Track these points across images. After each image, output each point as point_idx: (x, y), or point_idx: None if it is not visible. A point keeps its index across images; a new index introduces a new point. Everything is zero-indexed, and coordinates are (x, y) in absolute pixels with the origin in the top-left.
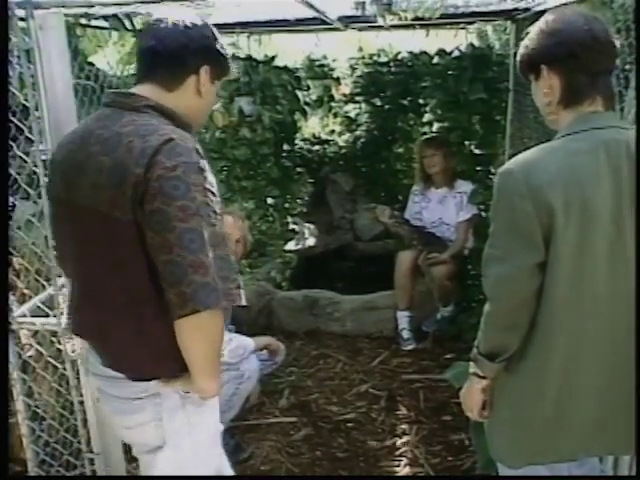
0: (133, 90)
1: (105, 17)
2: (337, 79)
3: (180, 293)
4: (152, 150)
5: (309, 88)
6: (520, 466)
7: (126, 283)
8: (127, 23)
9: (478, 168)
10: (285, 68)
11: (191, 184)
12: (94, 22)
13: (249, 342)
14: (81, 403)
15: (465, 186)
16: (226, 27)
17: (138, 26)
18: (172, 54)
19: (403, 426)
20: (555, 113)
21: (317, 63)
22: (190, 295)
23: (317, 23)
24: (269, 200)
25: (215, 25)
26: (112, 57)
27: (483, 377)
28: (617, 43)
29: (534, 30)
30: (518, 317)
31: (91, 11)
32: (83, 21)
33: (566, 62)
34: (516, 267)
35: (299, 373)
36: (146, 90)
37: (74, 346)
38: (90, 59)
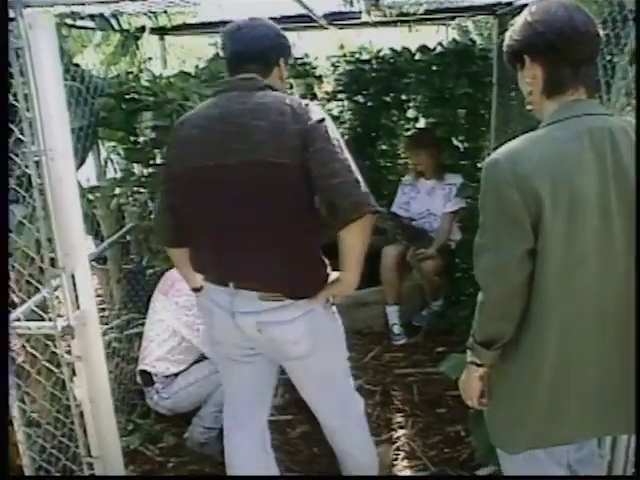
0: (243, 77)
1: (92, 17)
2: (319, 77)
3: (353, 202)
4: (302, 110)
5: (291, 87)
6: (520, 451)
7: (288, 217)
8: (114, 22)
9: (465, 162)
10: None
11: (332, 129)
12: (80, 22)
13: None
14: (78, 407)
15: (454, 179)
16: (209, 27)
17: (125, 25)
18: (260, 54)
19: (399, 420)
20: (539, 103)
21: (299, 62)
22: (361, 202)
23: (298, 21)
24: None
25: (198, 25)
26: (96, 58)
27: (480, 365)
28: (600, 32)
29: (518, 20)
30: (511, 305)
31: (77, 10)
32: (69, 21)
33: (547, 53)
34: (506, 255)
35: None
36: (246, 76)
37: (71, 348)
38: (76, 60)
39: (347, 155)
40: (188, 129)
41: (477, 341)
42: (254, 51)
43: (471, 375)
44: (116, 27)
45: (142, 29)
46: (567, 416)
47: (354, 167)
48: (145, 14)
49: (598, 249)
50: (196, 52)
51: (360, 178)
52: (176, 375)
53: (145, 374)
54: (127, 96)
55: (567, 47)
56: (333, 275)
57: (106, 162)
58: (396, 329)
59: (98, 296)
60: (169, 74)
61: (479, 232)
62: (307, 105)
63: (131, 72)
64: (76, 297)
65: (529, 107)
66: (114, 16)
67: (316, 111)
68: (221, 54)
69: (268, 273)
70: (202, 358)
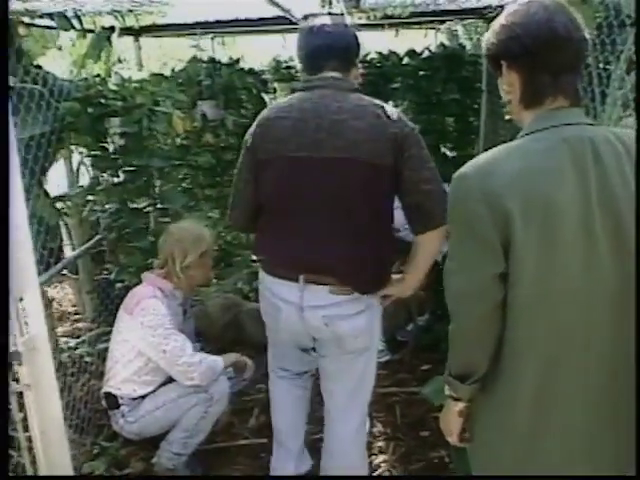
0: (327, 75)
1: (50, 15)
2: None
3: (442, 210)
4: (397, 116)
5: (275, 91)
6: None
7: (369, 215)
8: (75, 22)
9: (453, 171)
10: (250, 71)
11: (422, 139)
12: (40, 21)
13: (218, 363)
14: (29, 440)
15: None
16: (186, 27)
17: (87, 26)
18: (344, 52)
19: (380, 444)
20: (517, 112)
21: (284, 65)
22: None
23: (282, 23)
24: None
25: (175, 25)
26: (67, 60)
27: (459, 399)
28: (586, 37)
29: (496, 23)
30: (482, 333)
31: (33, 8)
32: (26, 20)
33: (523, 58)
34: (474, 279)
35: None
36: (337, 76)
37: (19, 375)
38: (40, 61)
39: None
40: (279, 119)
41: (452, 374)
42: (338, 49)
43: (450, 410)
44: (77, 27)
45: (112, 29)
46: (547, 456)
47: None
48: (110, 13)
49: (580, 273)
50: (177, 54)
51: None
52: (143, 397)
53: (110, 396)
54: (94, 100)
55: (545, 52)
56: (396, 276)
57: (78, 169)
58: (380, 345)
59: (73, 306)
60: (141, 77)
61: (448, 253)
62: (399, 112)
63: (98, 75)
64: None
65: (509, 116)
66: (75, 15)
67: (407, 120)
68: (297, 51)
69: (344, 267)
70: (170, 380)
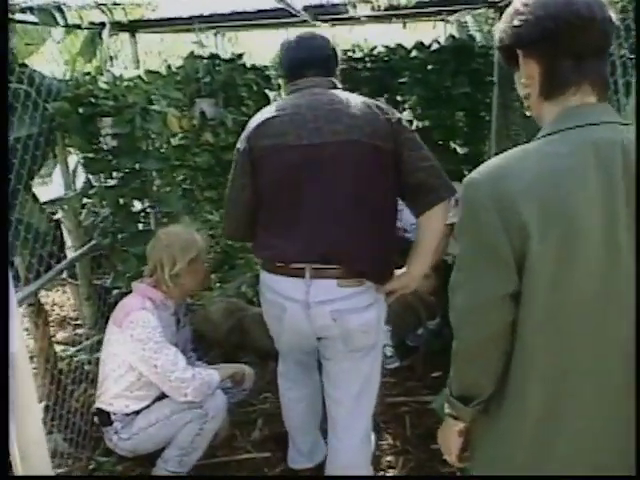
0: (316, 79)
1: (31, 10)
2: None
3: (444, 182)
4: (385, 106)
5: (280, 87)
6: None
7: (374, 199)
8: (58, 16)
9: (464, 168)
10: (253, 67)
11: None
12: (20, 16)
13: (214, 377)
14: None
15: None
16: (181, 21)
17: (74, 21)
18: (324, 62)
19: (389, 458)
20: (538, 107)
21: None
22: (449, 184)
23: (283, 16)
24: None
25: (170, 20)
26: (59, 58)
27: (462, 420)
28: (612, 17)
29: (509, 9)
30: (489, 355)
31: (12, 1)
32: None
33: (542, 44)
34: (484, 297)
35: (274, 400)
36: (322, 79)
37: None
38: (30, 60)
39: None
40: (275, 117)
41: (453, 395)
42: (318, 59)
43: (449, 429)
44: (61, 22)
45: (102, 25)
46: (557, 470)
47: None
48: (95, 7)
49: (599, 292)
50: (179, 51)
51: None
52: (137, 413)
53: (102, 413)
54: (85, 100)
55: (566, 35)
56: (400, 270)
57: (75, 170)
58: (388, 351)
59: (74, 310)
60: (136, 75)
61: (456, 265)
62: (383, 104)
63: (88, 73)
64: None
65: (529, 113)
66: (58, 9)
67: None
68: (280, 64)
69: (353, 252)
70: (165, 394)
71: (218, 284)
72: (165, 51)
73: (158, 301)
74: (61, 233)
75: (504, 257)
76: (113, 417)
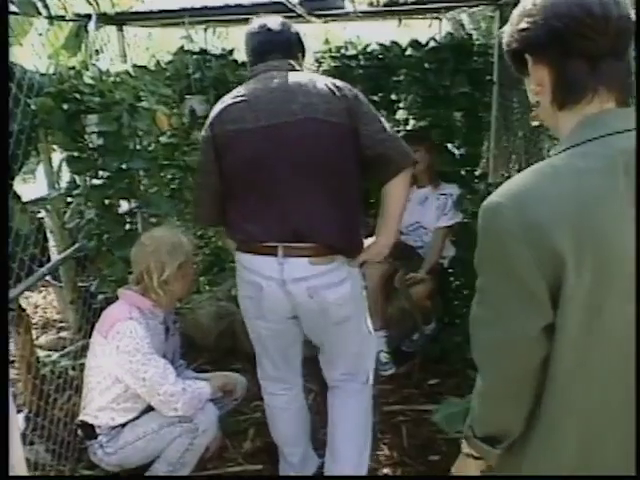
0: (274, 62)
1: None
2: None
3: (401, 151)
4: (340, 84)
5: None
6: None
7: (338, 175)
8: (40, 6)
9: (461, 170)
10: (244, 63)
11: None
12: None
13: (204, 390)
14: None
15: (450, 189)
16: (170, 14)
17: (57, 12)
18: (284, 44)
19: (385, 470)
20: (551, 116)
21: None
22: (409, 152)
23: (278, 10)
24: None
25: (157, 12)
26: (42, 51)
27: (485, 459)
28: (631, 15)
29: (515, 12)
30: (521, 394)
31: None
32: None
33: (551, 47)
34: (515, 334)
35: None
36: (281, 62)
37: None
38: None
39: None
40: (233, 104)
41: (478, 436)
42: (278, 42)
43: (468, 469)
44: (43, 12)
45: (88, 16)
46: None
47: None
48: None
49: (633, 322)
50: (169, 46)
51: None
52: (123, 425)
53: (86, 426)
54: (69, 96)
55: (578, 36)
56: (368, 240)
57: (59, 170)
58: (383, 357)
59: (58, 313)
60: (120, 70)
61: (477, 299)
62: (340, 82)
63: (73, 67)
64: None
65: (536, 122)
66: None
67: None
68: (244, 48)
69: (322, 228)
70: (152, 407)
71: (207, 287)
72: (153, 46)
73: (146, 310)
74: (44, 234)
75: (537, 293)
76: (98, 430)
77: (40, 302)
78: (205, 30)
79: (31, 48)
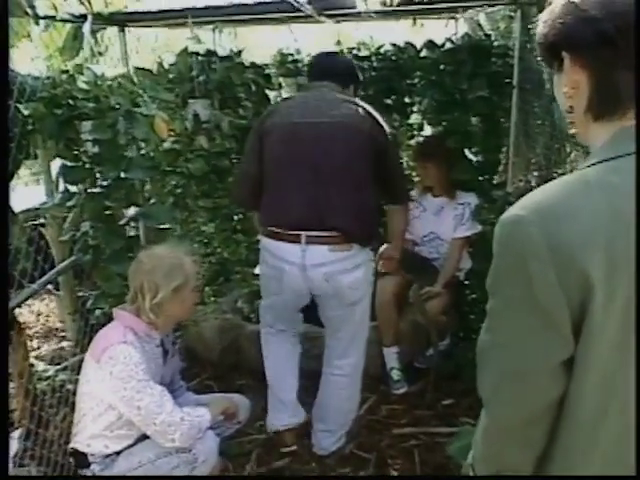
0: (325, 82)
1: None
2: None
3: (399, 191)
4: (373, 111)
5: (280, 86)
6: None
7: (360, 174)
8: (24, 4)
9: (478, 178)
10: (252, 65)
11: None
12: None
13: (204, 418)
14: None
15: (467, 197)
16: (173, 15)
17: (46, 11)
18: (339, 72)
19: None
20: (583, 124)
21: (289, 59)
22: (404, 193)
23: (285, 10)
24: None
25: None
26: (35, 54)
27: None
28: None
29: (558, 1)
30: (532, 434)
31: None
32: None
33: (598, 50)
34: (529, 366)
35: None
36: (331, 84)
37: None
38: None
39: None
40: (284, 103)
41: (479, 476)
42: (334, 70)
43: None
44: (30, 13)
45: (84, 17)
46: None
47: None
48: None
49: None
50: (176, 48)
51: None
52: (118, 453)
53: (78, 454)
54: (62, 101)
55: (629, 42)
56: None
57: (57, 178)
58: (395, 375)
59: (61, 321)
60: (117, 73)
61: (487, 325)
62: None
63: (67, 71)
64: None
65: (573, 130)
66: None
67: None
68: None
69: (345, 220)
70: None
71: (212, 298)
72: (160, 48)
73: (141, 332)
74: (46, 242)
75: (559, 321)
76: (91, 458)
77: (43, 310)
78: (213, 31)
79: (27, 51)
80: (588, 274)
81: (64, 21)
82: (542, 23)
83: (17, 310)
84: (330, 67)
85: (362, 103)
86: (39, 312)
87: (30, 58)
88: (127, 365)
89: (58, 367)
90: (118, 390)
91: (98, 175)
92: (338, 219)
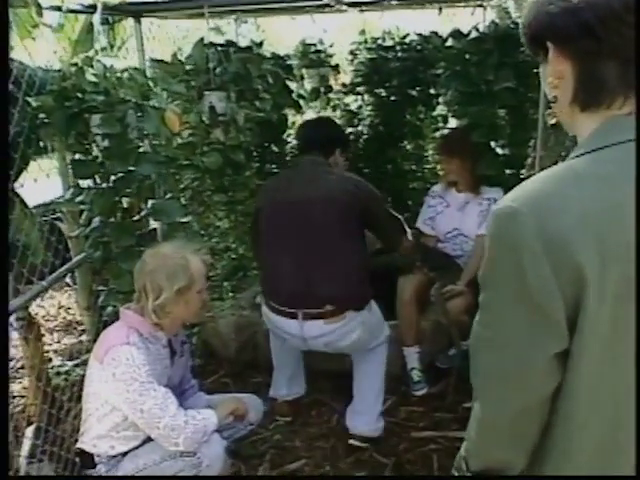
0: (308, 157)
1: None
2: (336, 67)
3: (393, 241)
4: (360, 181)
5: (302, 78)
6: None
7: (347, 242)
8: None
9: (506, 172)
10: (273, 56)
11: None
12: None
13: (210, 421)
14: None
15: (493, 193)
16: (191, 3)
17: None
18: (322, 142)
19: None
20: (569, 115)
21: (312, 49)
22: (398, 241)
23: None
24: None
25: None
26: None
27: None
28: None
29: None
30: (525, 428)
31: None
32: None
33: (582, 41)
34: (523, 359)
35: (285, 429)
36: (315, 158)
37: None
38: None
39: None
40: (272, 186)
41: (471, 470)
42: (317, 143)
43: None
44: (31, 1)
45: (94, 7)
46: None
47: (393, 216)
48: None
49: None
50: (194, 38)
51: (398, 225)
52: (124, 455)
53: (85, 454)
54: (72, 94)
55: (614, 35)
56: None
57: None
58: (415, 375)
59: (81, 315)
60: (134, 66)
61: (480, 318)
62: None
63: (76, 64)
64: None
65: (553, 120)
66: None
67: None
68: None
69: (338, 293)
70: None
71: (230, 294)
72: (180, 40)
73: (146, 333)
74: (58, 238)
75: (553, 314)
76: (97, 459)
77: (64, 302)
78: (236, 21)
79: (42, 44)
80: (582, 268)
81: (72, 12)
82: (527, 13)
83: (35, 303)
84: (313, 140)
85: (341, 173)
86: (60, 305)
87: (52, 51)
88: (130, 367)
89: (74, 362)
90: (121, 392)
91: (107, 170)
92: (332, 291)
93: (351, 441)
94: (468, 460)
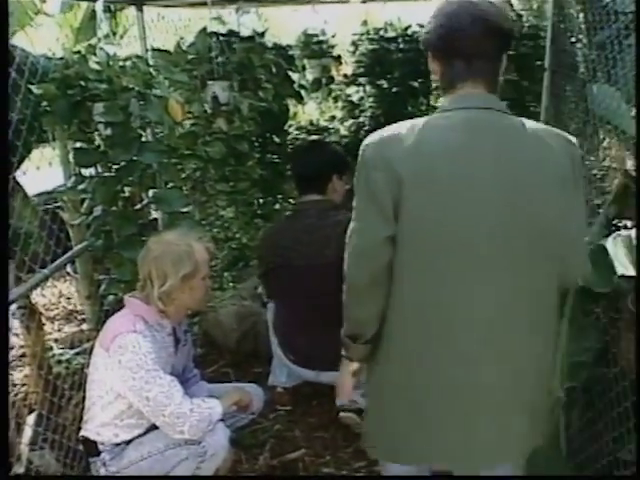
0: (307, 199)
1: None
2: (337, 58)
3: None
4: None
5: (304, 68)
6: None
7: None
8: None
9: None
10: (275, 46)
11: None
12: None
13: (215, 410)
14: None
15: None
16: None
17: None
18: (317, 176)
19: None
20: (442, 95)
21: (314, 39)
22: None
23: None
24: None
25: None
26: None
27: (351, 359)
28: (504, 28)
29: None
30: (372, 293)
31: None
32: None
33: (438, 49)
34: (369, 240)
35: (286, 419)
36: (315, 198)
37: None
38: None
39: None
40: (277, 237)
41: (344, 334)
42: (310, 178)
43: (343, 369)
44: None
45: None
46: (424, 434)
47: None
48: None
49: (469, 239)
50: (196, 27)
51: None
52: (128, 443)
53: (88, 442)
54: (74, 82)
55: (453, 41)
56: None
57: None
58: None
59: (82, 304)
60: (131, 54)
61: (352, 216)
62: None
63: (78, 51)
64: None
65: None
66: None
67: None
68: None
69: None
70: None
71: (231, 284)
72: (183, 29)
73: (152, 321)
74: (59, 226)
75: (385, 207)
76: (101, 447)
77: (65, 291)
78: (237, 11)
79: (45, 32)
80: (401, 175)
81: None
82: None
83: (36, 292)
84: (306, 177)
85: (343, 218)
86: (61, 294)
87: (54, 39)
88: (136, 354)
89: (75, 351)
90: (127, 380)
91: (109, 158)
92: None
93: (341, 414)
94: (344, 328)
